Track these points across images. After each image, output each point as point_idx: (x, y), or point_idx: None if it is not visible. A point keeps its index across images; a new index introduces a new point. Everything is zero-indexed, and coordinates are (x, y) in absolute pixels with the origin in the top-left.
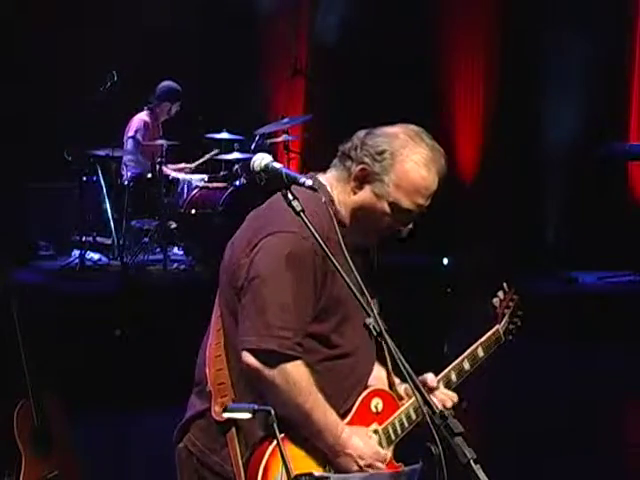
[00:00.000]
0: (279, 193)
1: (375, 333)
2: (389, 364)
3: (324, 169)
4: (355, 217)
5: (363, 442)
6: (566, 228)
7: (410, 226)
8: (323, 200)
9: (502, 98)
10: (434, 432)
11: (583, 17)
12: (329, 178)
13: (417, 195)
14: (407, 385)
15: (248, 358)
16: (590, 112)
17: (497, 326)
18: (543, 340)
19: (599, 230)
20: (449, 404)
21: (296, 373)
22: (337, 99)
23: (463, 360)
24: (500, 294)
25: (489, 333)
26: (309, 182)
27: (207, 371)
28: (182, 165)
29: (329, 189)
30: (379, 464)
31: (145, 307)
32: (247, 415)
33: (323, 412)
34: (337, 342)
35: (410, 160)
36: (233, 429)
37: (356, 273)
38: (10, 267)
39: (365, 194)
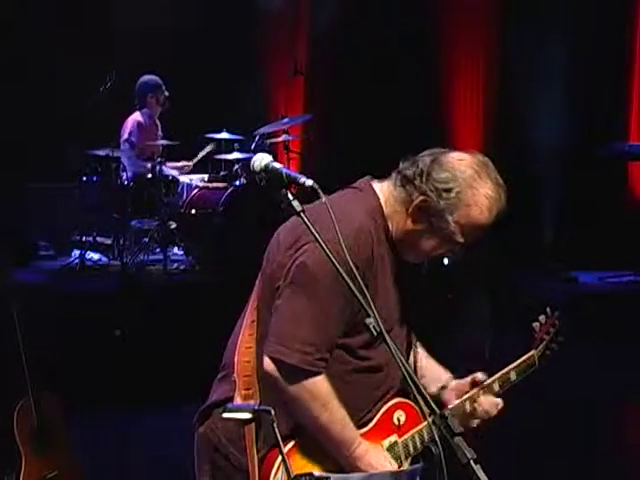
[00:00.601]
0: (332, 198)
1: (375, 333)
2: (417, 380)
3: (324, 169)
4: (408, 241)
5: (378, 460)
6: (566, 228)
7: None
8: (381, 216)
9: (502, 97)
10: (434, 432)
11: (583, 17)
12: (385, 191)
13: (476, 232)
14: (457, 383)
15: (269, 364)
16: (590, 112)
17: (533, 351)
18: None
19: (599, 230)
20: (494, 412)
21: (313, 388)
22: (337, 99)
23: (494, 381)
24: (542, 318)
25: (524, 357)
26: (309, 182)
27: (235, 360)
28: (182, 163)
29: (382, 201)
30: None
31: (145, 307)
32: (247, 415)
33: (340, 427)
34: (367, 355)
35: (476, 203)
36: (253, 423)
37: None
38: (10, 267)
39: (423, 224)
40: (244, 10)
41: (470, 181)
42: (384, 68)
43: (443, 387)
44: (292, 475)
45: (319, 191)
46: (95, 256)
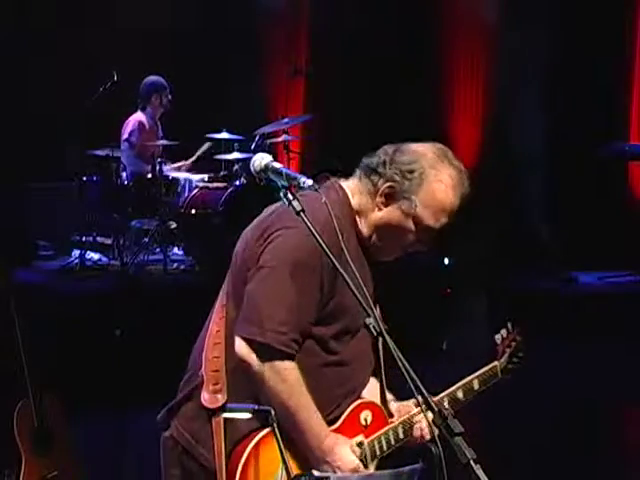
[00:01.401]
0: (303, 192)
1: (375, 333)
2: (384, 381)
3: (321, 170)
4: (378, 232)
5: (345, 453)
6: (566, 228)
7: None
8: (348, 212)
9: (501, 97)
10: (434, 432)
11: (583, 16)
12: (351, 186)
13: (442, 214)
14: (400, 404)
15: (242, 346)
16: (590, 112)
17: (496, 362)
18: (543, 340)
19: (599, 230)
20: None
21: (286, 370)
22: (337, 99)
23: (457, 389)
24: (503, 332)
25: (487, 368)
26: (309, 182)
27: (204, 356)
28: (180, 163)
29: (350, 197)
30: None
31: (145, 307)
32: (247, 415)
33: (309, 414)
34: (336, 349)
35: (439, 181)
36: (221, 418)
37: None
38: (10, 267)
39: (392, 211)
40: (244, 10)
41: (432, 162)
42: (384, 68)
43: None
44: (292, 474)
45: (319, 191)
46: (95, 256)
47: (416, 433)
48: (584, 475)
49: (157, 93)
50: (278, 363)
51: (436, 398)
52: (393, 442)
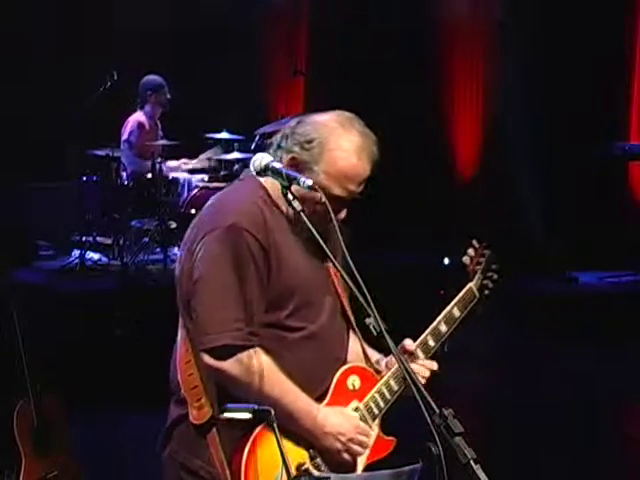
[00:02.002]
0: (222, 190)
1: (375, 333)
2: (362, 342)
3: None
4: (291, 208)
5: (341, 419)
6: (566, 228)
7: (344, 212)
8: (268, 195)
9: (502, 97)
10: (434, 432)
11: (583, 16)
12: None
13: (348, 182)
14: (386, 359)
15: (206, 359)
16: (590, 112)
17: (470, 284)
18: (543, 340)
19: (599, 230)
20: (427, 374)
21: (256, 362)
22: (337, 99)
23: (439, 323)
24: (470, 251)
25: (462, 292)
26: (309, 182)
27: (179, 378)
28: (181, 161)
29: (262, 181)
30: (362, 437)
31: (145, 307)
32: (247, 415)
33: (293, 397)
34: (297, 325)
35: (339, 148)
36: (214, 430)
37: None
38: (10, 267)
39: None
40: (244, 10)
41: (332, 130)
42: (384, 67)
43: (377, 361)
44: (292, 474)
45: (319, 190)
46: (95, 256)
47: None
48: (584, 474)
49: (155, 92)
50: (245, 359)
51: (420, 339)
52: (389, 396)
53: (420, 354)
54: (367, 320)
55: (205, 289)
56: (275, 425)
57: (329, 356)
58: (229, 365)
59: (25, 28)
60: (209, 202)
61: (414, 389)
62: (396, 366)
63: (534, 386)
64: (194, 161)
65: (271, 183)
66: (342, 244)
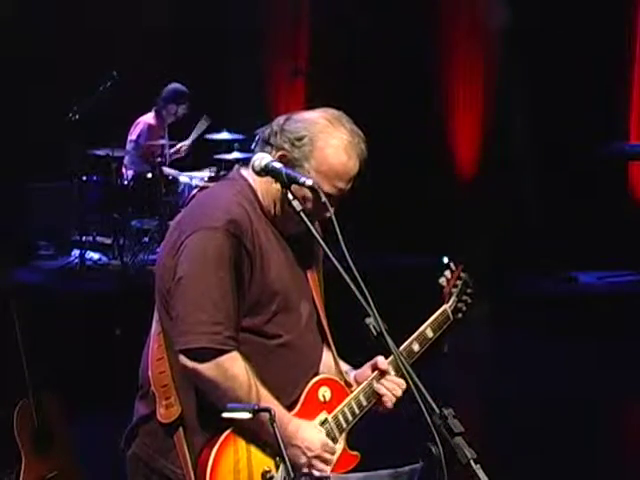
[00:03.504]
0: (203, 190)
1: (375, 333)
2: (335, 353)
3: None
4: (278, 206)
5: (311, 434)
6: (566, 228)
7: (332, 210)
8: (254, 193)
9: (501, 97)
10: (434, 432)
11: (583, 16)
12: (251, 170)
13: (337, 180)
14: (357, 372)
15: (183, 359)
16: (590, 112)
17: (445, 306)
18: (543, 340)
19: (599, 230)
20: (399, 392)
21: (233, 367)
22: (337, 99)
23: (412, 342)
24: (447, 273)
25: (437, 314)
26: (309, 182)
27: (150, 374)
28: (179, 145)
29: (251, 181)
30: (327, 455)
31: (145, 307)
32: (247, 415)
33: (266, 404)
34: (274, 332)
35: (329, 145)
36: (180, 430)
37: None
38: (10, 267)
39: None
40: (244, 10)
41: (322, 127)
42: (384, 67)
43: (346, 372)
44: (292, 475)
45: (319, 190)
46: (95, 256)
47: (381, 391)
48: (584, 474)
49: (175, 103)
50: (222, 362)
51: (391, 357)
52: (357, 411)
53: (391, 371)
54: (367, 320)
55: (186, 289)
56: (275, 425)
57: (302, 365)
58: (205, 368)
59: (25, 28)
60: (196, 199)
61: (414, 389)
62: (367, 381)
63: (534, 386)
64: (188, 141)
65: (260, 183)
66: (342, 245)
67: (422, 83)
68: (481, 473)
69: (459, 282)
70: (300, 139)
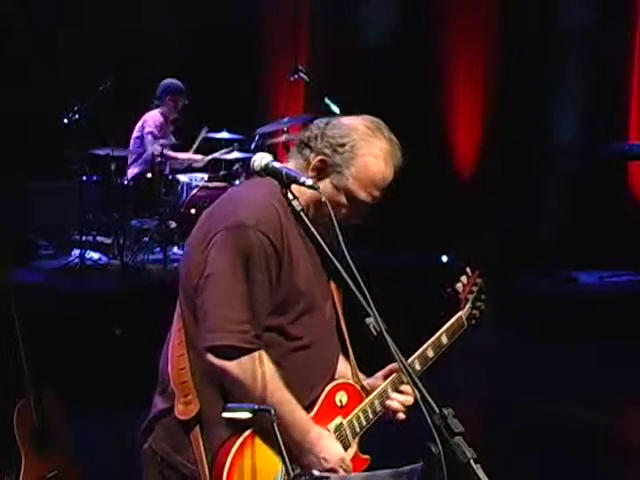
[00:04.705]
0: (233, 187)
1: (375, 333)
2: (352, 358)
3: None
4: (312, 208)
5: (331, 446)
6: (566, 228)
7: (362, 216)
8: (282, 194)
9: (501, 96)
10: (434, 432)
11: (582, 16)
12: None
13: (373, 188)
14: (371, 380)
15: (209, 357)
16: (590, 112)
17: (460, 313)
18: (543, 340)
19: (599, 230)
20: (411, 401)
21: (259, 367)
22: (337, 99)
23: (427, 348)
24: (463, 279)
25: (452, 320)
26: (309, 182)
27: (169, 370)
28: (185, 157)
29: None
30: (342, 471)
31: (145, 307)
32: (247, 415)
33: (291, 408)
34: (296, 334)
35: (370, 154)
36: (197, 428)
37: (338, 264)
38: (10, 267)
39: (324, 185)
40: (244, 10)
41: (363, 135)
42: (384, 67)
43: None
44: (292, 475)
45: (319, 190)
46: (95, 255)
47: (393, 406)
48: (583, 474)
49: (174, 96)
50: (248, 362)
51: (408, 360)
52: (371, 416)
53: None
54: (367, 320)
55: (215, 286)
56: (275, 425)
57: (320, 368)
58: (232, 366)
59: (25, 28)
60: (226, 195)
61: (414, 389)
62: (382, 386)
63: (534, 386)
64: (193, 156)
65: (293, 185)
66: (342, 245)
67: (422, 83)
68: (481, 473)
69: (475, 288)
70: (342, 145)
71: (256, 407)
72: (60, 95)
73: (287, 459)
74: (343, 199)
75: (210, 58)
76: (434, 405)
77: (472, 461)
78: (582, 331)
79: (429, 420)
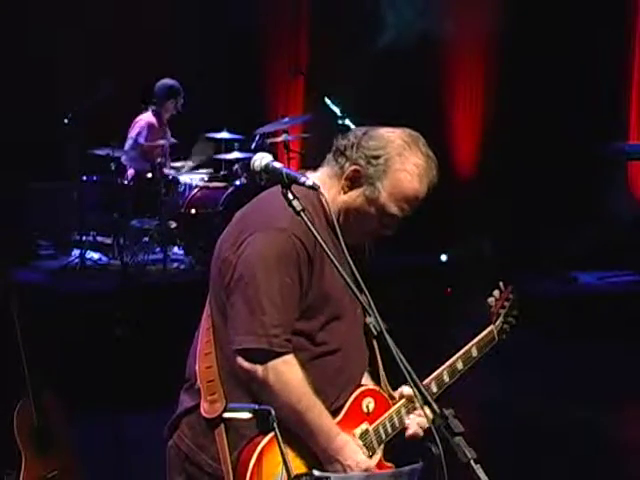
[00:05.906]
0: (268, 190)
1: (375, 333)
2: (380, 365)
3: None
4: (342, 217)
5: (356, 455)
6: (566, 228)
7: (392, 229)
8: (318, 199)
9: (501, 96)
10: (434, 432)
11: (583, 16)
12: (321, 176)
13: (405, 202)
14: (400, 390)
15: (239, 359)
16: (590, 111)
17: (491, 326)
18: (543, 340)
19: (599, 230)
20: (426, 424)
21: (288, 371)
22: (337, 99)
23: (457, 360)
24: (496, 293)
25: (483, 333)
26: (309, 182)
27: (197, 368)
28: (180, 164)
29: (321, 188)
30: None
31: (145, 307)
32: (247, 415)
33: (318, 413)
34: (323, 339)
35: (404, 170)
36: (222, 426)
37: (355, 270)
38: (10, 267)
39: (355, 195)
40: (244, 10)
41: (399, 149)
42: (383, 67)
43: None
44: (292, 475)
45: (320, 190)
46: (95, 255)
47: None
48: (583, 474)
49: (173, 98)
50: (278, 364)
51: (436, 372)
52: (398, 424)
53: (434, 388)
54: (367, 320)
55: (247, 288)
56: (275, 425)
57: (346, 373)
58: (262, 369)
59: (25, 28)
60: (260, 198)
61: (413, 387)
62: (408, 395)
63: (534, 386)
64: (190, 162)
65: (327, 192)
66: (343, 245)
67: (421, 83)
68: (481, 473)
69: (507, 303)
70: (376, 157)
71: (256, 407)
72: (60, 95)
73: (288, 459)
74: (373, 211)
75: (210, 58)
76: (435, 405)
77: (472, 461)
78: (582, 331)
79: (429, 419)
